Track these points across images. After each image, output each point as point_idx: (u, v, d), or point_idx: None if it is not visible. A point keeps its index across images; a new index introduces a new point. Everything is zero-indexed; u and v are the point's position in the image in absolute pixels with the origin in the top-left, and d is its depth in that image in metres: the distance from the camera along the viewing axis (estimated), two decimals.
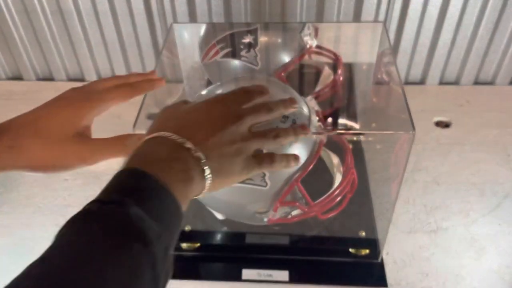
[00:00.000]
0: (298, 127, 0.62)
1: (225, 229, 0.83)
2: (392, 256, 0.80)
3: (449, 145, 1.01)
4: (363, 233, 0.80)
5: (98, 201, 0.41)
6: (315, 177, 0.71)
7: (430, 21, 1.08)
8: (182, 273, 0.79)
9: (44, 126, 0.57)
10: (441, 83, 1.20)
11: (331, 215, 0.75)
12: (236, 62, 0.93)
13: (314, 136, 0.70)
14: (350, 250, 0.80)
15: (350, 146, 0.80)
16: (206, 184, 0.49)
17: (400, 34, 1.11)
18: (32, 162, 0.56)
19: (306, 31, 0.93)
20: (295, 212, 0.74)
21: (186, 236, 0.82)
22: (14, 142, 0.55)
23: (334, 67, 0.98)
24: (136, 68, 1.23)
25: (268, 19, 1.10)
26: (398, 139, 0.77)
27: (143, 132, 0.53)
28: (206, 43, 0.95)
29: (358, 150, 0.95)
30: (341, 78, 0.95)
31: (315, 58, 1.04)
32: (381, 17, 1.09)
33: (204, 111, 0.55)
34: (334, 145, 0.78)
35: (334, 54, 0.99)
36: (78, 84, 0.65)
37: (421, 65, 1.17)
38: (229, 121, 0.53)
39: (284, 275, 0.77)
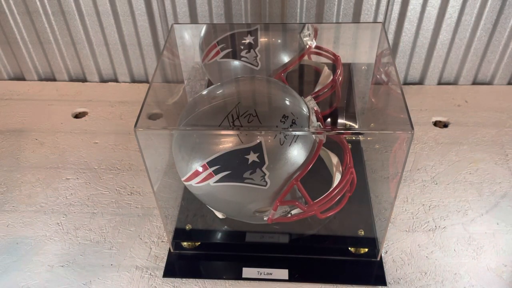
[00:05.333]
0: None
1: (225, 228, 0.84)
2: (391, 254, 0.81)
3: (447, 144, 1.02)
4: (362, 232, 0.81)
5: None
6: (315, 176, 0.72)
7: (429, 21, 1.09)
8: (182, 272, 0.80)
9: None
10: (440, 83, 1.21)
11: (330, 214, 0.76)
12: (236, 63, 0.93)
13: (314, 135, 0.70)
14: (350, 248, 0.80)
15: (349, 145, 0.81)
16: None
17: (399, 34, 1.12)
18: None
19: (305, 31, 0.94)
20: (294, 211, 0.75)
21: (187, 235, 0.83)
22: None
23: (334, 68, 0.99)
24: (137, 68, 1.24)
25: (268, 20, 1.11)
26: (397, 139, 0.78)
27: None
28: (206, 44, 0.96)
29: (357, 150, 0.96)
30: (340, 78, 0.96)
31: (314, 58, 1.05)
32: (380, 17, 1.09)
33: None
34: (333, 145, 0.79)
35: (334, 54, 0.99)
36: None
37: (419, 65, 1.18)
38: None
39: (284, 273, 0.78)
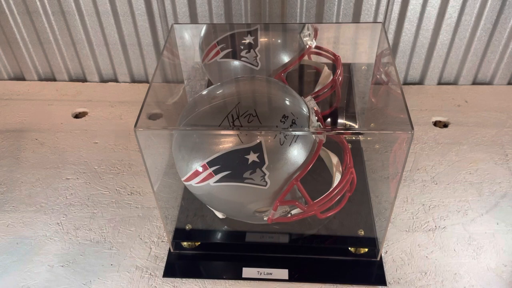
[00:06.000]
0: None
1: (225, 228, 0.84)
2: (391, 254, 0.81)
3: (447, 144, 1.02)
4: (362, 232, 0.81)
5: None
6: (315, 176, 0.72)
7: (428, 21, 1.09)
8: (182, 272, 0.80)
9: None
10: (440, 83, 1.21)
11: (330, 214, 0.76)
12: (236, 63, 0.93)
13: (314, 135, 0.70)
14: (349, 248, 0.80)
15: (349, 145, 0.81)
16: None
17: (399, 34, 1.12)
18: None
19: (305, 31, 0.94)
20: (294, 211, 0.75)
21: (187, 235, 0.83)
22: None
23: (334, 68, 0.99)
24: (137, 68, 1.24)
25: (268, 20, 1.11)
26: (397, 139, 0.78)
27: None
28: (206, 44, 0.96)
29: (357, 150, 0.96)
30: (340, 78, 0.96)
31: (314, 58, 1.05)
32: (380, 17, 1.09)
33: None
34: (333, 145, 0.79)
35: (334, 54, 0.99)
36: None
37: (419, 66, 1.18)
38: None
39: (283, 273, 0.78)
